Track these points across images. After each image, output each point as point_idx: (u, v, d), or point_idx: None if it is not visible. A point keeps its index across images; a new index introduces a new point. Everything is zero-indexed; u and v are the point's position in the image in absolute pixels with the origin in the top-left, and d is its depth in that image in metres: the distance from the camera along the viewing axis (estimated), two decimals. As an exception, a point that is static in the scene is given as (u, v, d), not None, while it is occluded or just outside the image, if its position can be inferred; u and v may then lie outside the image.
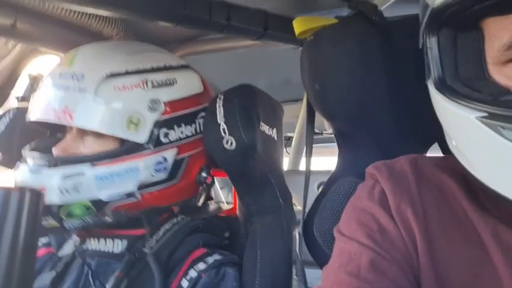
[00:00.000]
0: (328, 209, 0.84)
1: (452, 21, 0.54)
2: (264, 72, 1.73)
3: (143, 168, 0.91)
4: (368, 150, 0.85)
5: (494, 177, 0.52)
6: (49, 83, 0.93)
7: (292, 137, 2.12)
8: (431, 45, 0.56)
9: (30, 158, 0.93)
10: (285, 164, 2.03)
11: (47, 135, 1.08)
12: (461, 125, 0.54)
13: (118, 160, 0.90)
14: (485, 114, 0.49)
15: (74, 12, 1.08)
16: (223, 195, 1.93)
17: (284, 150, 2.16)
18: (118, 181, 0.90)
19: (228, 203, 1.29)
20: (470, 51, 0.54)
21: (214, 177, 1.07)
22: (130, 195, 0.92)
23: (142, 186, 0.93)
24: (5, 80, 1.25)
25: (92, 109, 0.89)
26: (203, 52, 1.47)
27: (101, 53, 0.98)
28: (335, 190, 0.85)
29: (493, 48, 0.52)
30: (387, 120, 0.85)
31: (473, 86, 0.53)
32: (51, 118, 0.89)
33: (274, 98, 1.14)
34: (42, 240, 1.05)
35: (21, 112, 1.14)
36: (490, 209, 0.59)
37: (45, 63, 1.33)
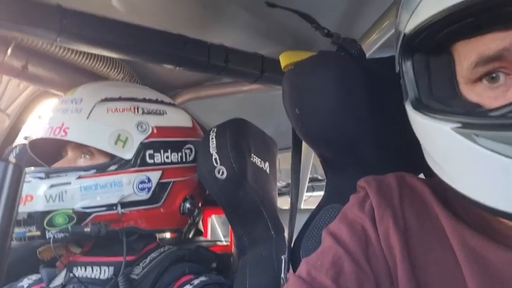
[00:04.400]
0: (314, 235, 0.85)
1: (425, 46, 0.59)
2: (270, 119, 1.76)
3: (127, 183, 0.98)
4: (353, 178, 0.85)
5: (471, 185, 0.53)
6: (52, 109, 1.03)
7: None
8: (407, 69, 0.61)
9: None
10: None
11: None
12: (438, 138, 0.56)
13: (104, 174, 0.97)
14: (460, 124, 0.51)
15: (82, 55, 1.15)
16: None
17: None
18: (102, 193, 0.96)
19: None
20: (443, 73, 0.58)
21: (201, 210, 1.10)
22: (111, 207, 0.97)
23: (125, 205, 0.98)
24: (15, 120, 1.32)
25: (84, 126, 0.98)
26: (207, 97, 1.52)
27: (102, 85, 1.08)
28: (321, 217, 0.87)
29: (462, 69, 0.55)
30: (372, 148, 0.87)
31: (447, 103, 0.57)
32: (47, 135, 0.97)
33: (269, 136, 1.17)
34: (33, 277, 1.06)
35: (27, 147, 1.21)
36: (462, 216, 0.61)
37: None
